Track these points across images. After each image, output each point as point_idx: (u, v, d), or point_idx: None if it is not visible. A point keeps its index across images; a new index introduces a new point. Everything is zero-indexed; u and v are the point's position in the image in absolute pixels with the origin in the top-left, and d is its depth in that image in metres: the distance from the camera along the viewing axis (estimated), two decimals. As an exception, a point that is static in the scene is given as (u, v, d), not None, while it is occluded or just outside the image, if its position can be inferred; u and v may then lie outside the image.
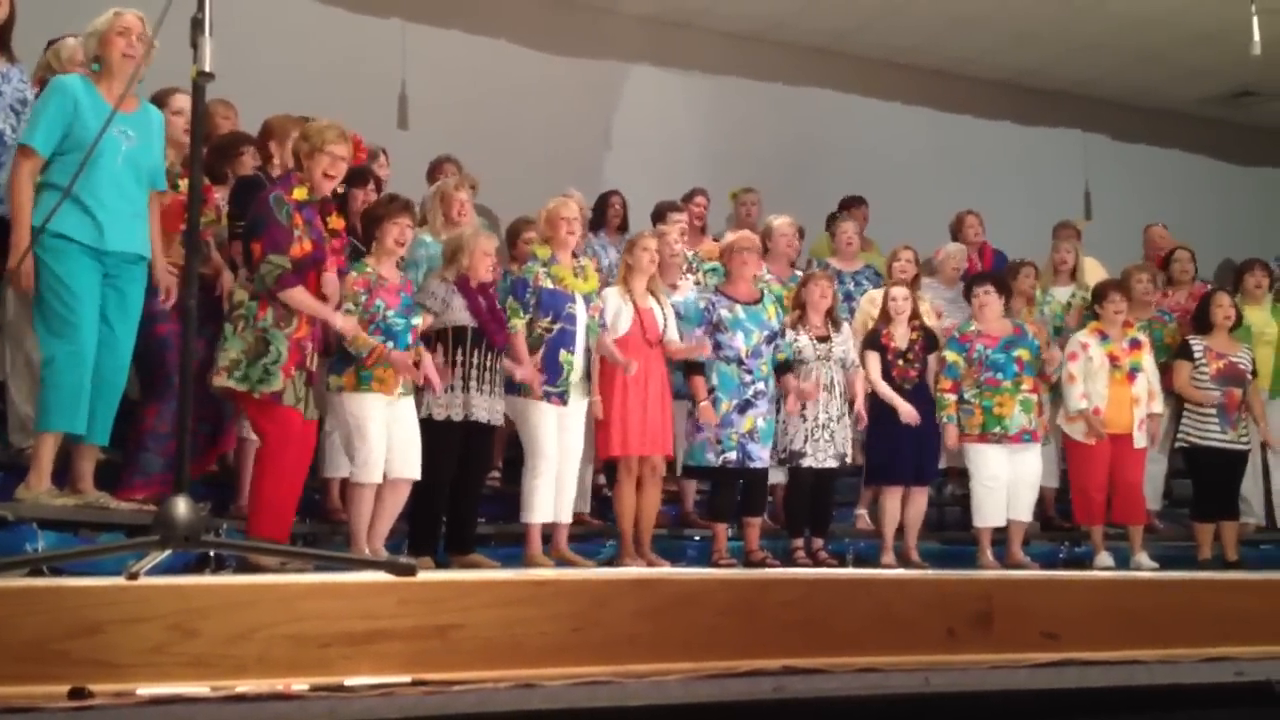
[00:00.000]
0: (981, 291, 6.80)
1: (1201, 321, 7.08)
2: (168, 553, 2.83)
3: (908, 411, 6.48)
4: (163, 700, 2.45)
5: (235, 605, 2.85)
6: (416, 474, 5.16)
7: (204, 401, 4.89)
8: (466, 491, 5.48)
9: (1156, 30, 9.68)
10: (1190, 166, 11.46)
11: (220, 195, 5.53)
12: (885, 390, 6.53)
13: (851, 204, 8.56)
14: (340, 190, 5.33)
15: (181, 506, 2.78)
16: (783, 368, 6.31)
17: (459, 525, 5.49)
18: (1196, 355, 6.91)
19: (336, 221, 5.01)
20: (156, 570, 2.84)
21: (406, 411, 5.18)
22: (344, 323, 4.80)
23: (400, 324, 5.15)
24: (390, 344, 5.08)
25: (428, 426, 5.30)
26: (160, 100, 5.12)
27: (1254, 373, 6.99)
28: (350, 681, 2.73)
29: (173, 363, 4.97)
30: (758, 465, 6.15)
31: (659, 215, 7.07)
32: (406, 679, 2.79)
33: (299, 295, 4.67)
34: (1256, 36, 7.19)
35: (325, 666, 2.84)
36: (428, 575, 3.33)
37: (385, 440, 5.05)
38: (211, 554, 4.41)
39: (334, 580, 3.12)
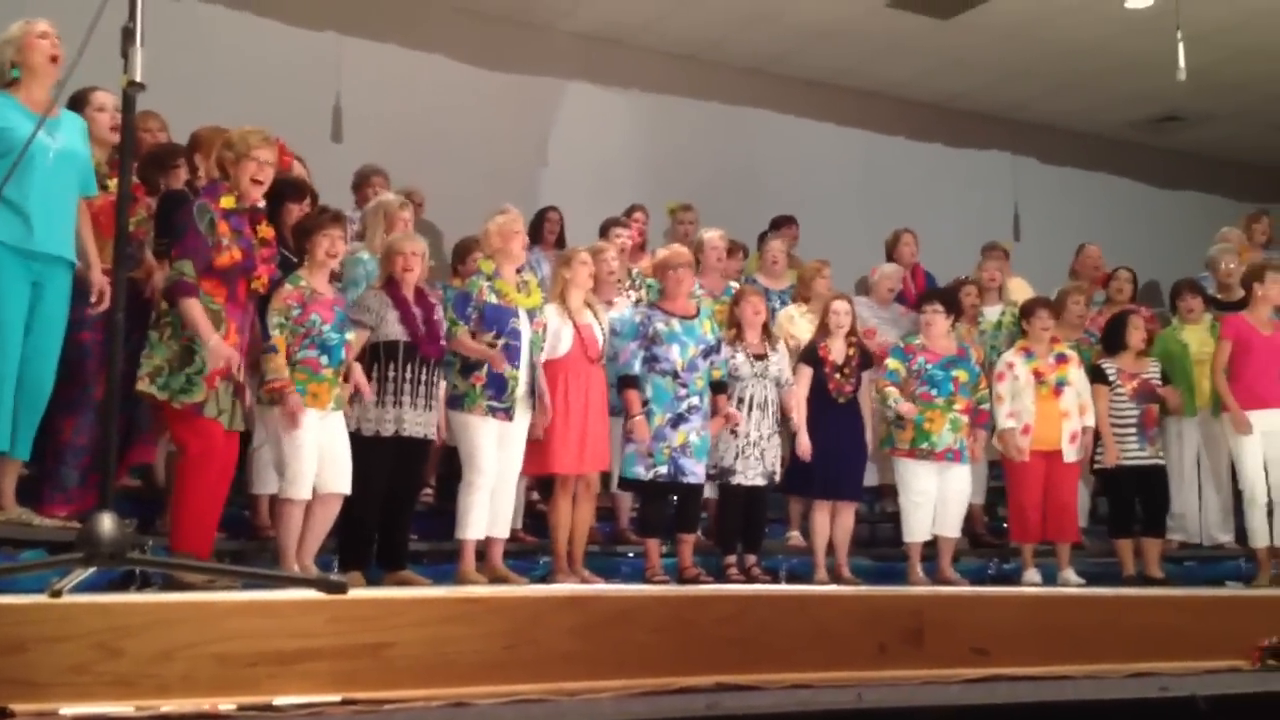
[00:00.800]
0: (930, 309, 6.88)
1: (1113, 342, 7.19)
2: (92, 570, 2.77)
3: (804, 448, 6.50)
4: (85, 720, 2.40)
5: (160, 624, 2.81)
6: (347, 489, 5.11)
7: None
8: (398, 508, 5.43)
9: (1084, 57, 9.85)
10: (1116, 189, 11.68)
11: (152, 201, 5.45)
12: (799, 416, 6.55)
13: (781, 223, 8.62)
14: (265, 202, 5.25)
15: (107, 523, 2.73)
16: (718, 386, 6.32)
17: (390, 542, 5.44)
18: (1111, 378, 7.03)
19: (266, 231, 4.96)
20: (80, 588, 2.79)
21: (337, 426, 5.13)
22: (215, 346, 4.61)
23: (335, 339, 5.10)
24: (324, 359, 5.04)
25: (359, 442, 5.24)
26: (79, 100, 5.04)
27: (1163, 379, 7.14)
28: (279, 701, 2.70)
29: (91, 371, 4.89)
30: (691, 480, 6.14)
31: (604, 231, 7.08)
32: (336, 698, 2.76)
33: (191, 307, 4.57)
34: (1182, 63, 7.36)
35: (252, 686, 2.81)
36: (359, 593, 3.30)
37: (316, 455, 5.00)
38: (137, 571, 4.32)
39: (262, 598, 3.08)
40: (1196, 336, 7.47)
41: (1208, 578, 7.40)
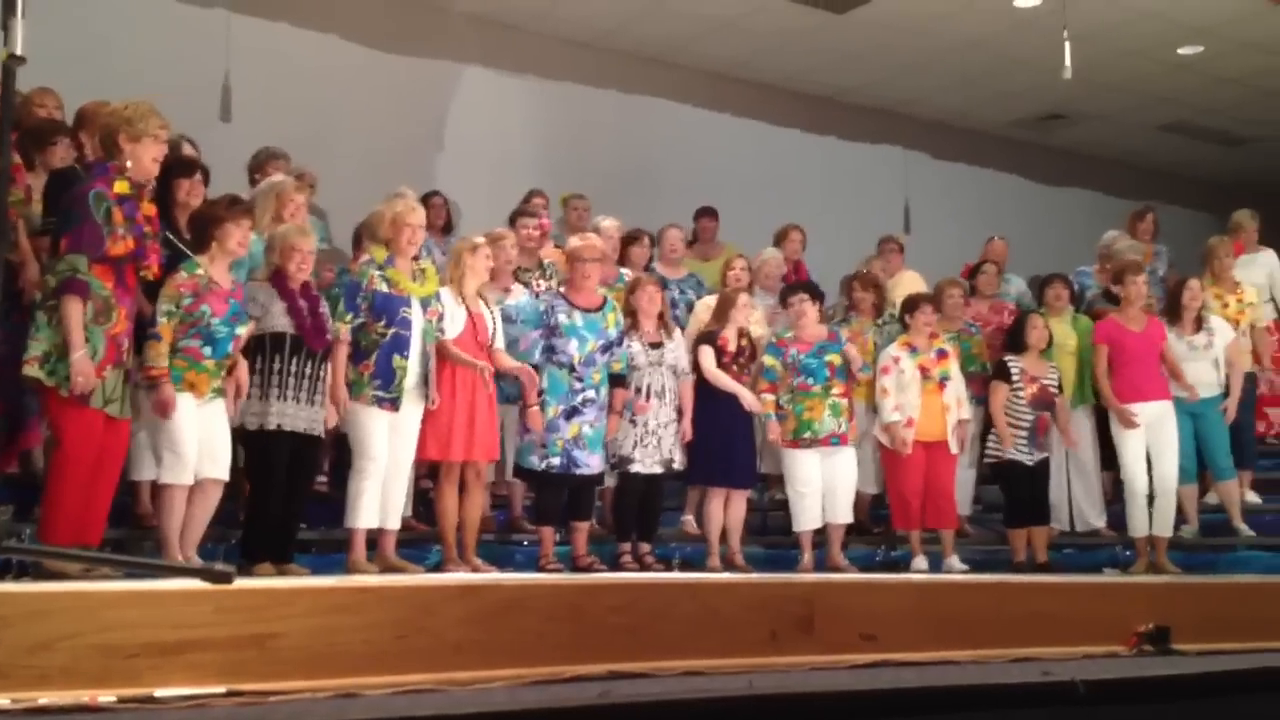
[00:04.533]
0: (797, 300, 6.95)
1: (1016, 342, 7.34)
2: (-36, 559, 2.68)
3: (750, 400, 6.57)
4: (-44, 715, 2.32)
5: (38, 614, 2.73)
6: (225, 475, 5.05)
7: (2, 395, 4.68)
8: (288, 500, 5.36)
9: (972, 54, 10.05)
10: (1003, 185, 11.94)
11: (33, 181, 5.27)
12: (726, 380, 6.57)
13: (700, 215, 8.64)
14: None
15: (-20, 510, 2.64)
16: (616, 379, 6.31)
17: (279, 534, 5.35)
18: (1014, 377, 7.15)
19: (148, 208, 4.85)
20: (-48, 578, 2.70)
21: (216, 413, 5.05)
22: (78, 361, 4.49)
23: (224, 331, 5.01)
24: (208, 349, 4.96)
25: (253, 436, 5.18)
26: None
27: (1060, 390, 7.30)
28: (161, 693, 2.64)
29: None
30: (583, 471, 6.13)
31: (512, 221, 7.03)
32: (221, 690, 2.71)
33: (72, 313, 4.50)
34: (1068, 62, 7.53)
35: (134, 677, 2.74)
36: (245, 583, 3.24)
37: (196, 442, 4.92)
38: (13, 560, 4.20)
39: (144, 588, 3.01)
40: (1060, 328, 7.66)
41: (1087, 565, 7.61)
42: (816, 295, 7.08)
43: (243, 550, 5.26)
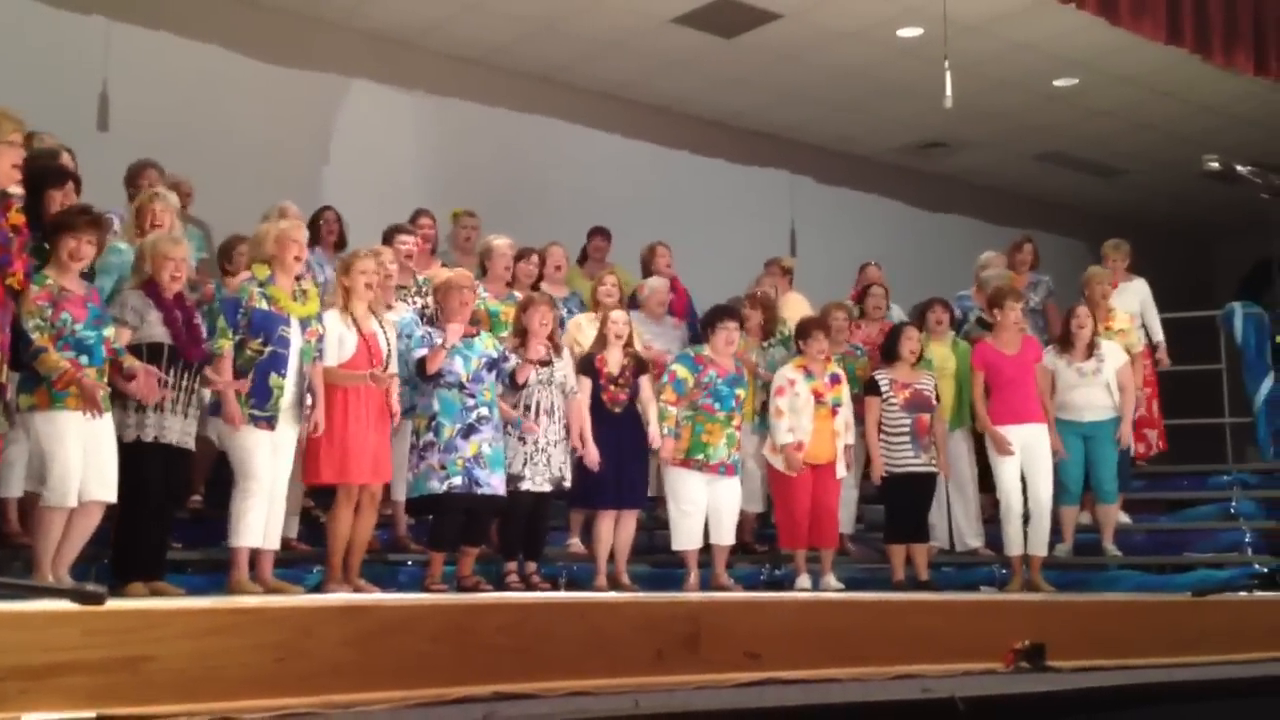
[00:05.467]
0: (731, 326, 6.98)
1: (889, 353, 7.48)
2: None
3: (591, 458, 6.51)
4: None
5: (-104, 638, 2.61)
6: (112, 496, 4.91)
7: None
8: (158, 515, 5.24)
9: (857, 81, 10.24)
10: (887, 211, 12.16)
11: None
12: (582, 428, 6.53)
13: (592, 234, 8.64)
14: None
15: None
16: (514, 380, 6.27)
17: (151, 550, 5.22)
18: (884, 388, 7.29)
19: (16, 217, 4.70)
20: None
21: (104, 430, 4.90)
22: None
23: (91, 336, 4.87)
24: (84, 359, 4.81)
25: (126, 448, 5.03)
26: None
27: (937, 398, 7.44)
28: (28, 718, 2.55)
29: None
30: (485, 491, 6.02)
31: (388, 238, 6.95)
32: (92, 714, 2.63)
33: None
34: (949, 90, 7.69)
35: (1, 702, 2.64)
36: (118, 604, 3.15)
37: (81, 461, 4.78)
38: None
39: (11, 610, 2.90)
40: (941, 351, 7.83)
41: (964, 583, 7.77)
42: (743, 325, 7.17)
43: (115, 568, 5.11)
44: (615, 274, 7.51)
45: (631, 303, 7.75)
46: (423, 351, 5.99)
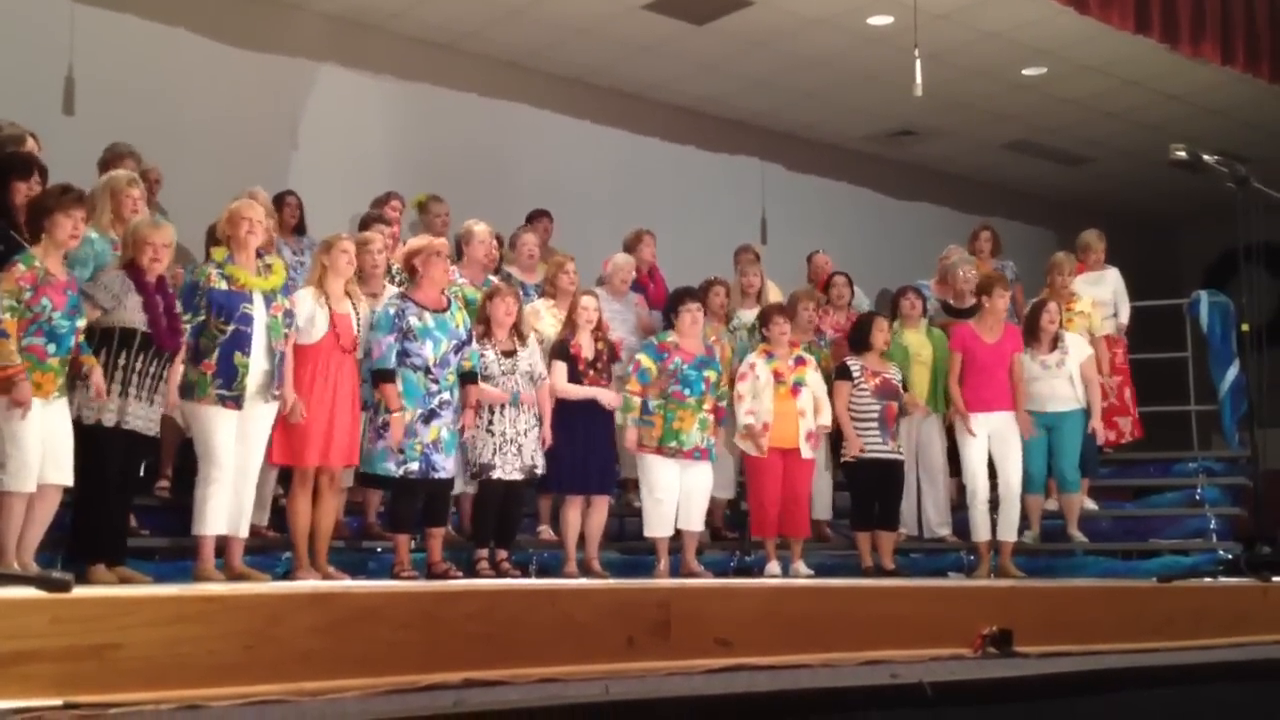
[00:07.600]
0: (695, 308, 6.99)
1: (859, 342, 7.51)
2: None
3: (608, 397, 6.57)
4: None
5: None
6: (68, 480, 4.88)
7: None
8: (119, 498, 5.22)
9: (827, 69, 10.24)
10: (856, 199, 12.19)
11: None
12: (577, 390, 6.58)
13: (535, 216, 8.62)
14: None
15: None
16: (467, 377, 6.24)
17: (112, 533, 5.19)
18: (855, 374, 7.32)
19: None
20: None
21: (60, 415, 4.88)
22: None
23: (65, 326, 4.84)
24: (52, 346, 4.78)
25: (84, 431, 5.00)
26: None
27: (905, 387, 7.49)
28: (-8, 708, 2.52)
29: None
30: (441, 476, 6.06)
31: (365, 225, 6.90)
32: (57, 702, 2.61)
33: None
34: (919, 79, 7.71)
35: (-37, 692, 2.62)
36: (85, 591, 3.13)
37: (40, 446, 4.74)
38: None
39: (-24, 598, 2.87)
40: (915, 338, 7.87)
41: (932, 569, 7.82)
42: (707, 308, 7.18)
43: (72, 551, 5.09)
44: (572, 259, 7.43)
45: (596, 280, 7.75)
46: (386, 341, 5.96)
